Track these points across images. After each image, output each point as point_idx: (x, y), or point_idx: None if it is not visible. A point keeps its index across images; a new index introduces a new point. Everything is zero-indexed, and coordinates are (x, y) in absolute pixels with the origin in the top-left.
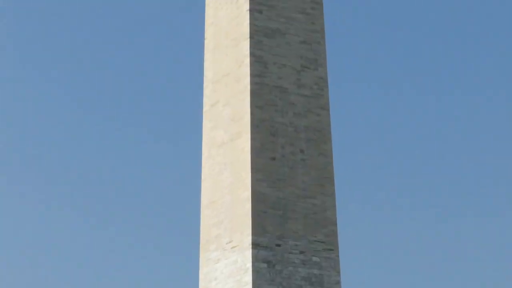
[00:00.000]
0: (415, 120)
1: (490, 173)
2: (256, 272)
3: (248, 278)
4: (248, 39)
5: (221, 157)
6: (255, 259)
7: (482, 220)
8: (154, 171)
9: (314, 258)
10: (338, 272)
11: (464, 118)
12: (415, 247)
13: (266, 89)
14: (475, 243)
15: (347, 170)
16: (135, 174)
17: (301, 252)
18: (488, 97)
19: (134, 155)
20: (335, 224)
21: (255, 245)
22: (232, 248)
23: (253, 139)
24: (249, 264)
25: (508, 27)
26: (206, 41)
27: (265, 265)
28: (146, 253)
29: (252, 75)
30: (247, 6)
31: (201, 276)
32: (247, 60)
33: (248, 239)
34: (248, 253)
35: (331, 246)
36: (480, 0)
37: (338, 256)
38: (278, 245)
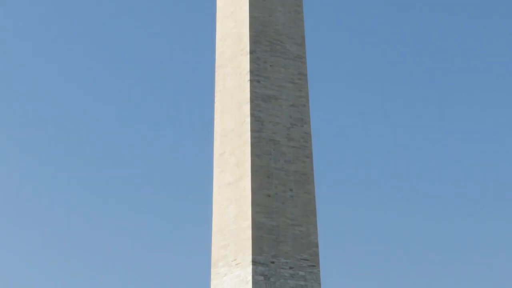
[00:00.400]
0: (384, 166)
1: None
2: (255, 283)
3: None
4: (249, 103)
5: (227, 195)
6: (254, 273)
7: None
8: (176, 205)
9: (301, 273)
10: (319, 284)
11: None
12: (383, 263)
13: (263, 142)
14: (449, 242)
15: (327, 204)
16: (162, 212)
17: (290, 268)
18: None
19: (159, 196)
20: (317, 246)
21: (254, 262)
22: (236, 264)
23: (253, 180)
24: (249, 277)
25: (485, 24)
26: (216, 104)
27: (262, 278)
28: (167, 270)
29: (252, 131)
30: (248, 77)
31: (212, 287)
32: (248, 119)
33: (248, 257)
34: (249, 268)
35: (314, 263)
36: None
37: (319, 271)
38: (272, 262)
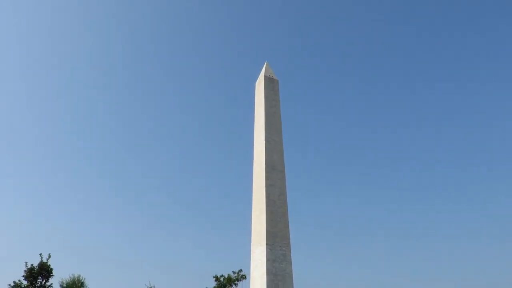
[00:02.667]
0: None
1: None
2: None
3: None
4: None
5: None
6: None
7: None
8: (229, 195)
9: (283, 248)
10: (290, 251)
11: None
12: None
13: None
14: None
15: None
16: (215, 205)
17: (279, 246)
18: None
19: (213, 194)
20: (289, 239)
21: (267, 244)
22: (260, 245)
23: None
24: (264, 249)
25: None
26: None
27: (269, 250)
28: (222, 247)
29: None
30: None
31: (252, 256)
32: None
33: (264, 242)
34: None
35: (287, 244)
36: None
37: (290, 247)
38: (273, 244)
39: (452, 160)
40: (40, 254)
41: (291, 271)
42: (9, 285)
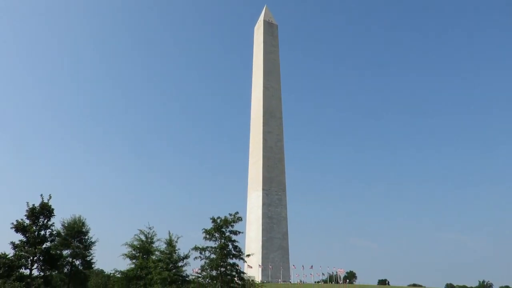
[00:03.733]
0: None
1: None
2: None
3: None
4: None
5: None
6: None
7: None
8: (227, 141)
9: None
10: (286, 196)
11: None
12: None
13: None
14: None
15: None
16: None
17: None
18: None
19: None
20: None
21: (263, 189)
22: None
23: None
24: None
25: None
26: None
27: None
28: (219, 191)
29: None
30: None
31: (248, 201)
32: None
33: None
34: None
35: (283, 189)
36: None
37: (285, 192)
38: (269, 189)
39: None
40: (41, 195)
41: (286, 214)
42: (12, 223)
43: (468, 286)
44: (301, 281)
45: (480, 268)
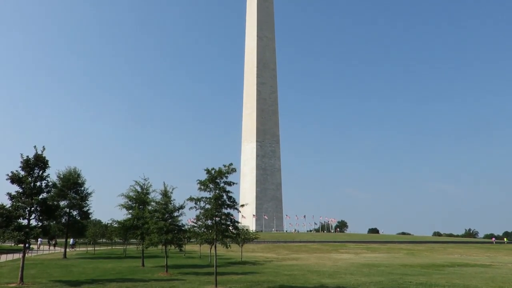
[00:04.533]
0: None
1: None
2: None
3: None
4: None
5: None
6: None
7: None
8: (220, 91)
9: (273, 144)
10: (279, 148)
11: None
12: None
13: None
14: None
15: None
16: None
17: (270, 144)
18: None
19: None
20: (279, 136)
21: (257, 141)
22: (254, 141)
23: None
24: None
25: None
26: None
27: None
28: (215, 141)
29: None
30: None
31: (242, 152)
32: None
33: (254, 138)
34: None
35: (277, 141)
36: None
37: (279, 144)
38: (263, 141)
39: None
40: (35, 147)
41: (280, 166)
42: (7, 175)
43: (455, 234)
44: (296, 230)
45: (466, 218)
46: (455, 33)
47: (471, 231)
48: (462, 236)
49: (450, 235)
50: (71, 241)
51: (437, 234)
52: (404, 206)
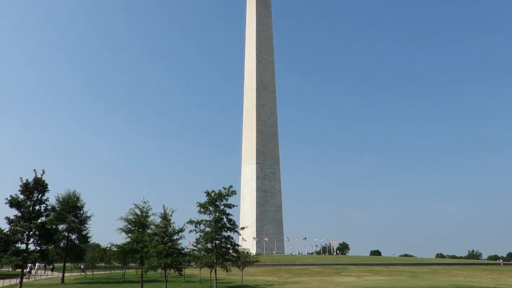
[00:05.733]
0: None
1: None
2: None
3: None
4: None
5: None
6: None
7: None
8: (221, 112)
9: (273, 166)
10: (279, 170)
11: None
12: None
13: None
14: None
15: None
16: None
17: (269, 165)
18: None
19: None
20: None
21: (257, 163)
22: (254, 163)
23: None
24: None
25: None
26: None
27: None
28: (215, 163)
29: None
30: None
31: (242, 173)
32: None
33: (254, 160)
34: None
35: (277, 163)
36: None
37: (279, 166)
38: (263, 162)
39: None
40: (34, 170)
41: (280, 187)
42: (6, 198)
43: (458, 255)
44: (299, 252)
45: (469, 239)
46: (455, 50)
47: (474, 253)
48: (466, 257)
49: (453, 257)
50: (82, 265)
51: (440, 256)
52: (406, 228)
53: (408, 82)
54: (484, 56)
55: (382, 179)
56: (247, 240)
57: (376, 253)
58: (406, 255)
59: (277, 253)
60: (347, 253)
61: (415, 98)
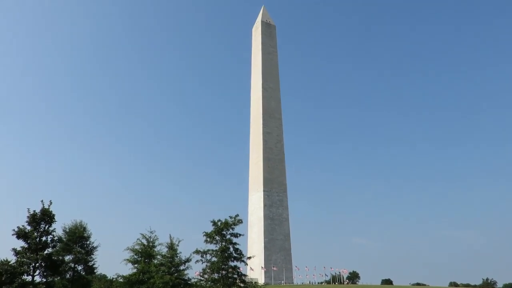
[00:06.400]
0: None
1: None
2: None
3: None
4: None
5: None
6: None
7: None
8: (227, 141)
9: (280, 194)
10: (287, 198)
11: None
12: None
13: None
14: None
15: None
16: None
17: (276, 192)
18: None
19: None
20: (286, 185)
21: (264, 190)
22: (261, 190)
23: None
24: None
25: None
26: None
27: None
28: (222, 191)
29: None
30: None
31: (249, 201)
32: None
33: (261, 188)
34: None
35: (284, 191)
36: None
37: (286, 193)
38: (270, 190)
39: None
40: (42, 201)
41: (288, 215)
42: (14, 230)
43: (472, 284)
44: (310, 282)
45: (484, 266)
46: (467, 78)
47: (489, 281)
48: (480, 286)
49: (467, 285)
50: None
51: (453, 284)
52: (419, 255)
53: (419, 109)
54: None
55: (392, 206)
56: (255, 269)
57: (387, 282)
58: (418, 284)
59: (285, 282)
60: (357, 282)
61: (425, 123)
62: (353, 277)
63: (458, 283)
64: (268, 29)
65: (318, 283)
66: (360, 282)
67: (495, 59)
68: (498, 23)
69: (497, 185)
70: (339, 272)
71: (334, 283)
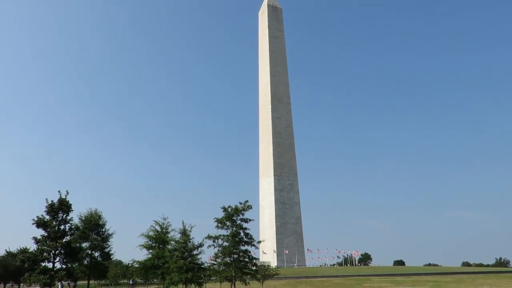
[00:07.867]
0: None
1: None
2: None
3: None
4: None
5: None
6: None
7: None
8: (236, 127)
9: (291, 178)
10: (298, 183)
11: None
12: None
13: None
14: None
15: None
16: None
17: (287, 177)
18: None
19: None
20: (296, 169)
21: (274, 175)
22: (268, 176)
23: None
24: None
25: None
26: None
27: (277, 180)
28: (233, 177)
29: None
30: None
31: (260, 187)
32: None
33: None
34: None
35: (295, 175)
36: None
37: (297, 178)
38: (280, 175)
39: None
40: (59, 191)
41: (299, 199)
42: (33, 219)
43: (485, 264)
44: (325, 264)
45: (497, 246)
46: (481, 63)
47: (502, 260)
48: (493, 265)
49: (480, 265)
50: (130, 281)
51: (466, 264)
52: (431, 237)
53: (428, 90)
54: None
55: (404, 187)
56: (267, 253)
57: (399, 263)
58: (430, 265)
59: (298, 265)
60: (369, 264)
61: (437, 105)
62: (365, 258)
63: (471, 263)
64: (274, 13)
65: (331, 265)
66: (372, 263)
67: None
68: None
69: (510, 167)
70: (351, 254)
71: (346, 265)
